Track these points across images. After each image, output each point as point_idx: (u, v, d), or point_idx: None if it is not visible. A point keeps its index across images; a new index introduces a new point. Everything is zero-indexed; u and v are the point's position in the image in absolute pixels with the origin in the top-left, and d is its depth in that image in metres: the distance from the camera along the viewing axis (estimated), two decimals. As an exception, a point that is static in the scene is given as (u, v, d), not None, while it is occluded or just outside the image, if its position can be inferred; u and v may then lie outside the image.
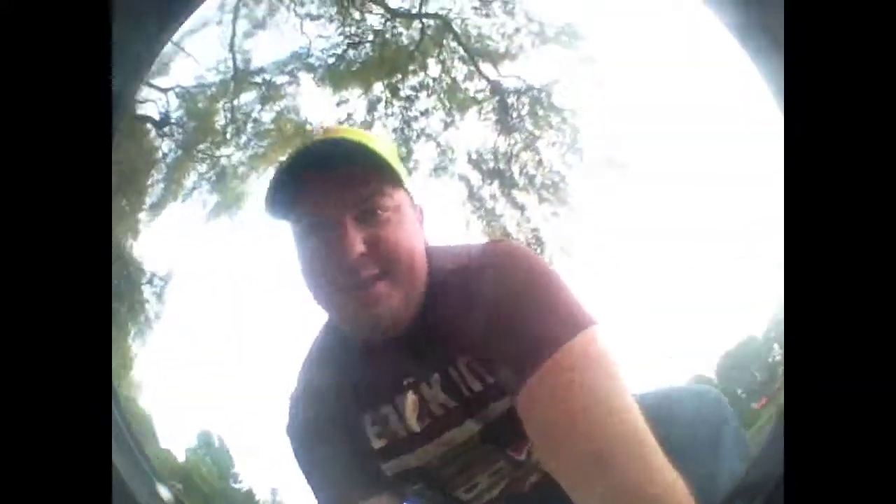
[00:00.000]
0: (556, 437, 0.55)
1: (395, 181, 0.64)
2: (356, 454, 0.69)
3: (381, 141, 0.67)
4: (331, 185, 0.61)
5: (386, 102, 4.82)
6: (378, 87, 4.83)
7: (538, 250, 4.45)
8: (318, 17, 4.84)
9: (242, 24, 4.81)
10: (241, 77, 4.89)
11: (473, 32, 4.86)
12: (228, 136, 4.90)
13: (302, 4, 4.81)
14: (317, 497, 0.72)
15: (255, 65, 4.93)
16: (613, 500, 0.52)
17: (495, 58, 4.86)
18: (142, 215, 4.71)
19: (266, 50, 4.89)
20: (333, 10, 4.83)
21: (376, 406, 0.69)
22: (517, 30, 4.82)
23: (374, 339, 0.66)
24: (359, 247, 0.60)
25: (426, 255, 0.67)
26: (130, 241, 4.64)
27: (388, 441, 0.69)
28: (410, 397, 0.66)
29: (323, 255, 0.62)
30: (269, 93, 4.91)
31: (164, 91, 4.90)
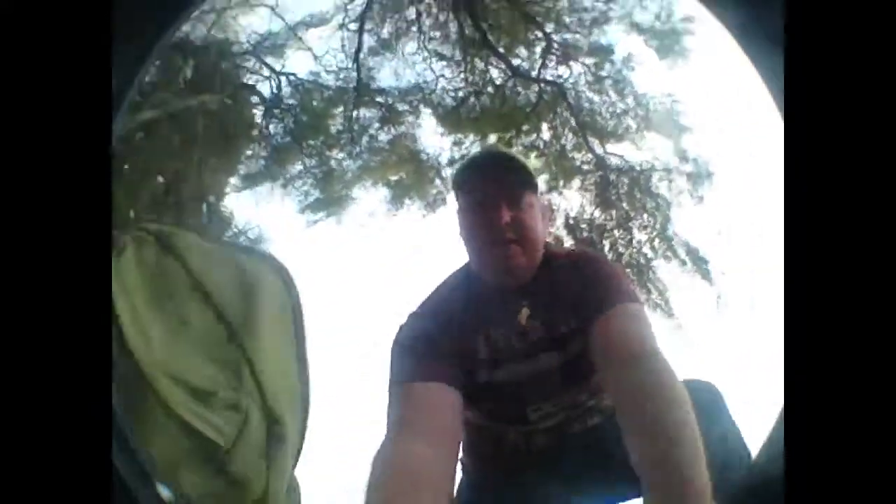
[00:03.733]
0: (621, 358, 0.82)
1: (534, 190, 1.01)
2: (456, 356, 0.92)
3: (528, 163, 1.06)
4: (500, 180, 0.97)
5: (499, 153, 5.07)
6: (492, 138, 5.21)
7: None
8: (444, 57, 5.19)
9: (367, 39, 5.10)
10: (362, 91, 5.15)
11: (585, 106, 5.21)
12: (343, 142, 5.23)
13: (430, 40, 5.12)
14: (396, 370, 0.91)
15: (377, 84, 5.24)
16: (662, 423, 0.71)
17: (603, 134, 5.23)
18: (232, 179, 5.05)
19: (389, 72, 5.22)
20: (458, 55, 5.19)
21: (489, 329, 0.96)
22: (625, 111, 5.20)
23: (498, 286, 0.97)
24: (506, 216, 0.94)
25: (544, 244, 1.01)
26: (213, 196, 4.92)
27: (492, 354, 0.96)
28: (525, 311, 0.97)
29: (481, 219, 0.96)
30: (390, 115, 5.25)
31: (277, 73, 5.14)
